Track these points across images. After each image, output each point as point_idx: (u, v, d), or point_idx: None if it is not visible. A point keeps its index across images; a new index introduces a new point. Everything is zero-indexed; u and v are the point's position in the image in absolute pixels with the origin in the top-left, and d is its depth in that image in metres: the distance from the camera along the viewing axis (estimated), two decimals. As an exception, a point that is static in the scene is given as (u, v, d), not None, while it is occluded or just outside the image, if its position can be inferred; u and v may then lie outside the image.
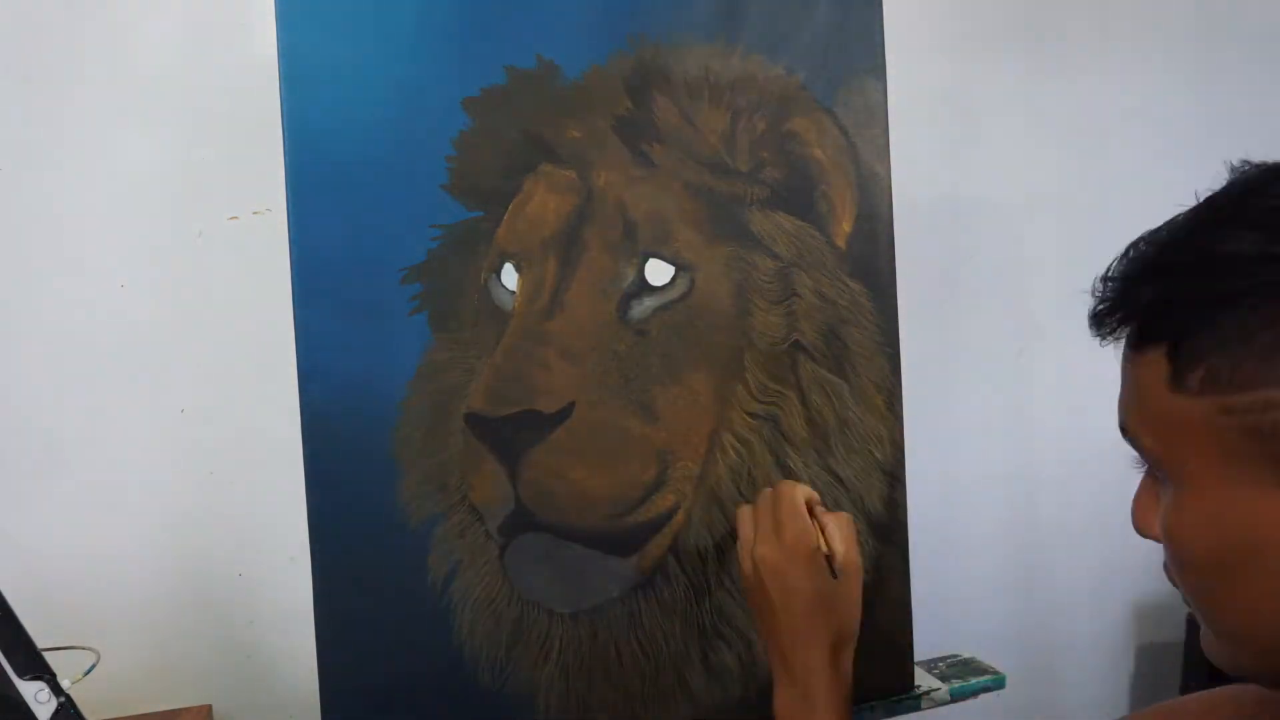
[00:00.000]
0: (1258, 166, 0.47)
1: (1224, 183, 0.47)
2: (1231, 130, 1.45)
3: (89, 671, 0.73)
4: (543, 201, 0.78)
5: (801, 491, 0.75)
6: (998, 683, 0.98)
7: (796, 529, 0.72)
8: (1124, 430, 0.51)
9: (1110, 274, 0.49)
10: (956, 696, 0.94)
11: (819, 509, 0.75)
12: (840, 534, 0.74)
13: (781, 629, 0.71)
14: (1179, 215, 0.48)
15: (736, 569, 0.83)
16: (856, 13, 0.86)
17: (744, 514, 0.77)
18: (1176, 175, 1.54)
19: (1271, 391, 0.42)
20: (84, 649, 0.74)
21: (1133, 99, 1.39)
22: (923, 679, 0.94)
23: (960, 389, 1.35)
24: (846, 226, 0.86)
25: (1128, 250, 0.49)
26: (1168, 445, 0.47)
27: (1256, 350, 0.43)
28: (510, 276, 0.77)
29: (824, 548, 0.72)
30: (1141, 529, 0.52)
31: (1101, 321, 0.49)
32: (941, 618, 1.11)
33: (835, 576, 0.72)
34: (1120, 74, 1.39)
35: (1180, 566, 0.49)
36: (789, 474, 0.84)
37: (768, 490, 0.77)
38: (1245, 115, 1.45)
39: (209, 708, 1.03)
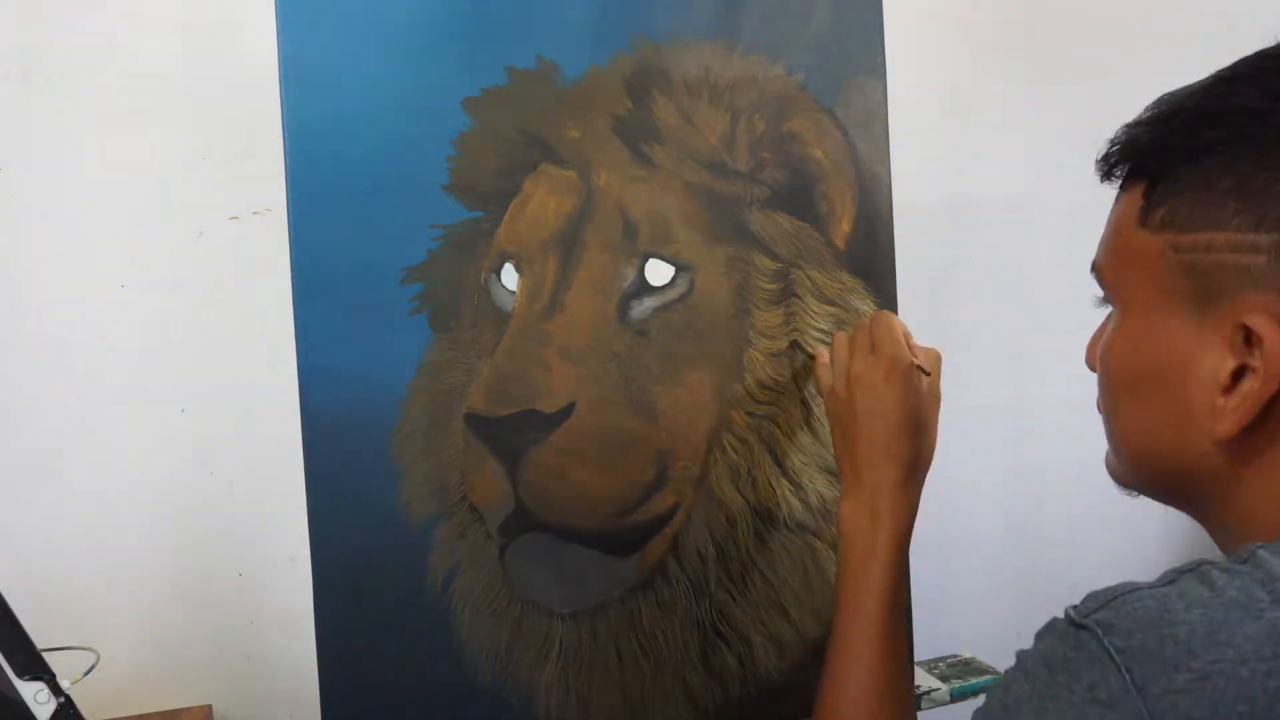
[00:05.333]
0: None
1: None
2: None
3: (89, 671, 0.73)
4: (543, 201, 0.78)
5: (899, 321, 0.76)
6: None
7: (894, 350, 0.73)
8: (1093, 266, 0.56)
9: (1136, 119, 0.53)
10: (956, 696, 0.94)
11: (914, 342, 0.76)
12: (931, 363, 0.75)
13: (862, 444, 0.72)
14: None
15: (736, 569, 0.83)
16: (856, 13, 0.86)
17: (839, 338, 0.78)
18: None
19: (1214, 234, 0.47)
20: (84, 649, 0.74)
21: (1133, 99, 1.39)
22: (923, 679, 0.94)
23: (960, 389, 1.35)
24: (846, 227, 0.86)
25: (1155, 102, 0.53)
26: (1120, 274, 0.53)
27: (1212, 195, 0.47)
28: (510, 276, 0.77)
29: (918, 362, 0.73)
30: (1089, 362, 0.58)
31: (1105, 160, 0.54)
32: (941, 618, 1.11)
33: (928, 374, 0.74)
34: (1120, 74, 1.39)
35: (1102, 384, 0.55)
36: (789, 475, 0.84)
37: (864, 319, 0.79)
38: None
39: (209, 708, 1.03)
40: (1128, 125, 0.53)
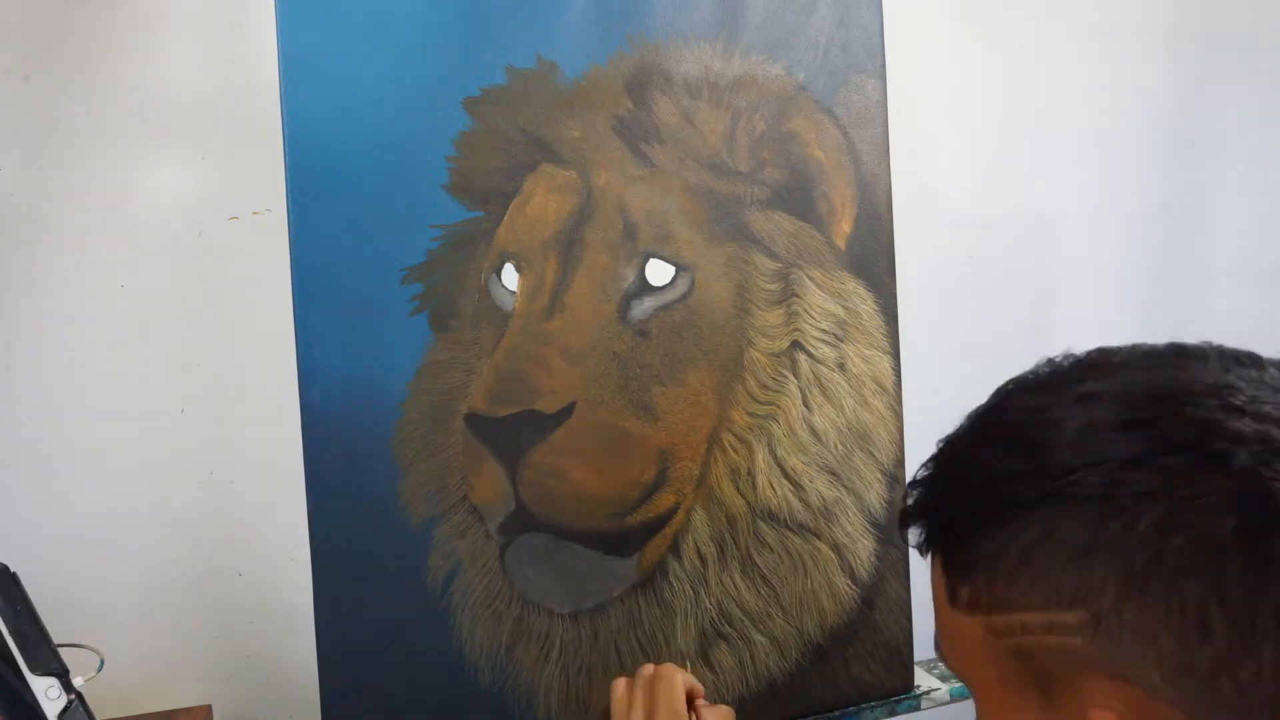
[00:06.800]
0: (1014, 382, 0.47)
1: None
2: (1231, 132, 1.45)
3: (100, 670, 0.73)
4: (543, 201, 0.78)
5: (682, 681, 0.69)
6: (998, 683, 0.98)
7: None
8: (935, 644, 0.50)
9: (915, 476, 0.48)
10: (956, 696, 0.94)
11: (700, 703, 0.70)
12: None
13: None
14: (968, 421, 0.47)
15: (737, 568, 0.83)
16: (856, 13, 0.86)
17: (618, 691, 0.70)
18: (1175, 176, 1.54)
19: (1025, 614, 0.41)
20: (88, 649, 0.75)
21: (1133, 101, 1.39)
22: (923, 679, 0.94)
23: (960, 389, 1.35)
24: (846, 226, 0.86)
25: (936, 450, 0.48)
26: (958, 659, 0.47)
27: (1005, 570, 0.41)
28: (510, 276, 0.77)
29: None
30: None
31: (902, 521, 0.48)
32: (941, 618, 1.11)
33: None
34: (1121, 75, 1.39)
35: None
36: (789, 475, 0.84)
37: (648, 670, 0.71)
38: (1246, 117, 1.45)
39: (209, 708, 1.02)
40: (915, 483, 0.47)
